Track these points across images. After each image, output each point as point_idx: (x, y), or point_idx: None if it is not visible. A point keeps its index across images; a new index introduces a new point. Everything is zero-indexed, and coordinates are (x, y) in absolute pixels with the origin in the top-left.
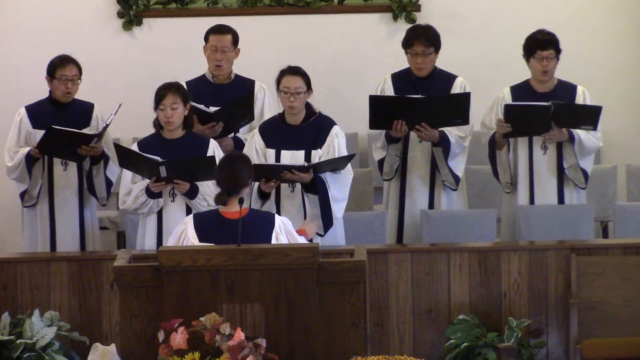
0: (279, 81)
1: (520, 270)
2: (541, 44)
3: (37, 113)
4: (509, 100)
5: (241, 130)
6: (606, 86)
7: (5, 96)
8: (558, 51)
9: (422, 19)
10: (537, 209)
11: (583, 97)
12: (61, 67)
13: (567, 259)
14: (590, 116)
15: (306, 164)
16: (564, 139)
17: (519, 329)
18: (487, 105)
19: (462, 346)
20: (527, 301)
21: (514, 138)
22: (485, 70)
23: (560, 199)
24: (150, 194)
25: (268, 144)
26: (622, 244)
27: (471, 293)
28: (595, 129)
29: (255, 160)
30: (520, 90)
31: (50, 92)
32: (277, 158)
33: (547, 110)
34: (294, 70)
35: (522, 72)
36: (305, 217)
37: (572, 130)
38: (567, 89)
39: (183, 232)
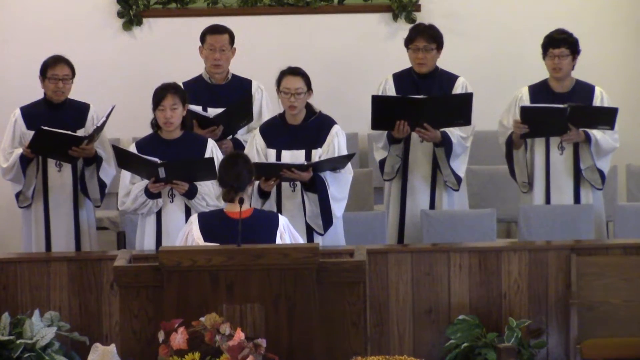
0: (279, 82)
1: (520, 270)
2: (553, 42)
3: (32, 114)
4: (526, 100)
5: (240, 131)
6: (606, 87)
7: (4, 97)
8: (573, 50)
9: (422, 19)
10: (538, 209)
11: (601, 97)
12: (52, 66)
13: (567, 259)
14: (607, 117)
15: (306, 163)
16: (580, 140)
17: (519, 329)
18: (505, 105)
19: (462, 346)
20: (527, 301)
21: (531, 138)
22: (485, 70)
23: (577, 200)
24: (149, 194)
25: (269, 144)
26: (622, 244)
27: (471, 293)
28: (612, 129)
29: (256, 160)
30: (538, 90)
31: (45, 92)
32: (278, 158)
33: (563, 112)
34: (294, 71)
35: (522, 71)
36: (305, 217)
37: (588, 130)
38: (584, 90)
39: (189, 233)
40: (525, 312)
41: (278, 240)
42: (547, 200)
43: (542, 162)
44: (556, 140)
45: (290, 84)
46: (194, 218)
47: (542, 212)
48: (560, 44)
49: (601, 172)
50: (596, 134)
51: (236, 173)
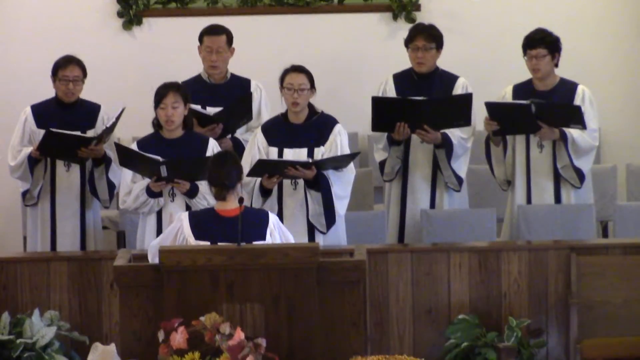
0: (282, 79)
1: (520, 270)
2: (530, 43)
3: (42, 113)
4: (509, 98)
5: (239, 130)
6: (606, 86)
7: (6, 96)
8: (552, 49)
9: (422, 18)
10: (537, 209)
11: (582, 95)
12: (63, 67)
13: (567, 259)
14: (574, 115)
15: (310, 160)
16: (555, 138)
17: (519, 329)
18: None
19: (462, 346)
20: (527, 301)
21: (511, 136)
22: (485, 70)
23: (557, 198)
24: (151, 193)
25: (270, 143)
26: (622, 244)
27: (471, 293)
28: (584, 128)
29: (257, 158)
30: (522, 89)
31: (56, 92)
32: (280, 156)
33: (527, 109)
34: (297, 68)
35: (522, 71)
36: (307, 215)
37: (565, 129)
38: (567, 88)
39: (179, 230)
40: (525, 312)
41: (268, 238)
42: (528, 199)
43: (522, 160)
44: (536, 138)
45: (294, 80)
46: (184, 215)
47: (542, 212)
48: (537, 44)
49: (579, 171)
50: (573, 132)
51: (226, 171)
